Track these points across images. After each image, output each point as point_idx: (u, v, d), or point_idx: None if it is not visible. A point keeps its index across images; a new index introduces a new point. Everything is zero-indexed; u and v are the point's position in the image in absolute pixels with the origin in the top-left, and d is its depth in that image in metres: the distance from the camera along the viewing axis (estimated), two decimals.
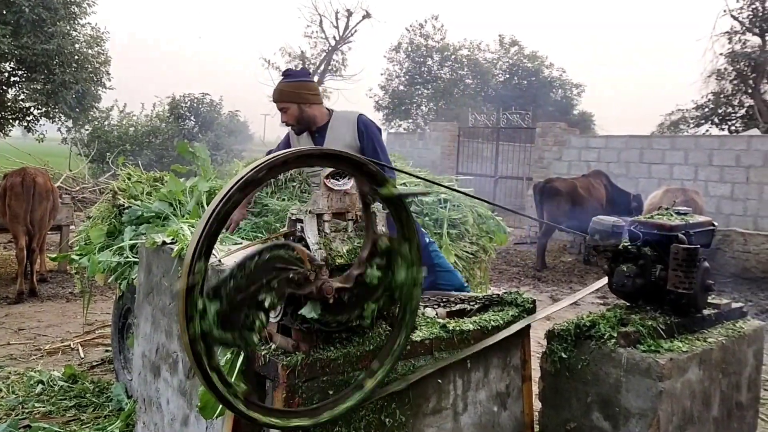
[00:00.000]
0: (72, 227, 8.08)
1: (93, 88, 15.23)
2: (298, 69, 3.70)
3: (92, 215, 4.03)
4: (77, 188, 12.70)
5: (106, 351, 4.79)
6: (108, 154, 14.80)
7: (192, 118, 17.91)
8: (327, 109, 3.54)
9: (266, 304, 1.70)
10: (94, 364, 4.58)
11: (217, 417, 2.17)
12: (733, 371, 2.80)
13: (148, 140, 15.95)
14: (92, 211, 4.11)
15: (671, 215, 2.84)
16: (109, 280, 3.61)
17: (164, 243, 2.78)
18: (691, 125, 20.61)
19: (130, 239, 3.42)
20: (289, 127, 3.56)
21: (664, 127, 22.18)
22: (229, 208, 1.58)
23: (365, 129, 3.44)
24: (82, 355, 4.77)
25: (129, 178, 4.05)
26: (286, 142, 3.69)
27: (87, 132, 16.37)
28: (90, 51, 14.86)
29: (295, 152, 1.70)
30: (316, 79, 26.53)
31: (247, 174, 1.60)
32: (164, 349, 2.78)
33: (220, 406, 2.08)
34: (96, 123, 16.27)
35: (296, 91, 3.41)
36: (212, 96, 18.15)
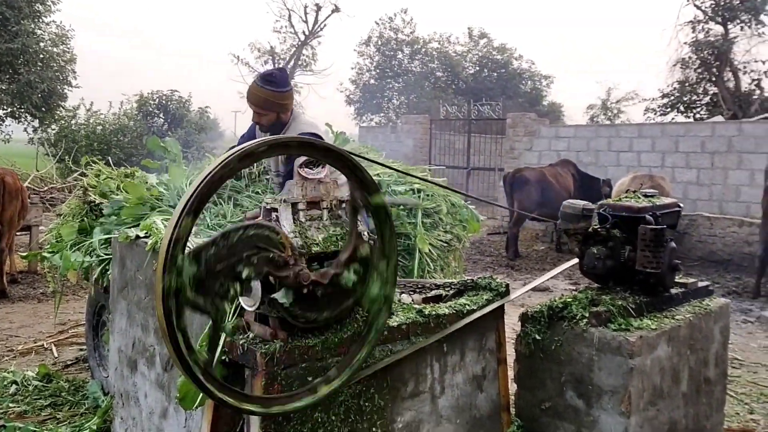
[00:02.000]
0: (41, 228, 7.96)
1: (59, 87, 14.99)
2: (280, 70, 3.62)
3: (63, 213, 3.98)
4: (45, 188, 12.49)
5: (80, 350, 4.75)
6: (76, 153, 14.58)
7: (161, 115, 17.70)
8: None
9: (243, 275, 1.72)
10: (69, 363, 4.54)
11: (196, 407, 2.18)
12: (701, 347, 2.88)
13: (117, 139, 15.71)
14: (62, 208, 4.06)
15: (639, 198, 2.91)
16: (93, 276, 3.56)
17: (138, 237, 2.76)
18: (658, 113, 20.95)
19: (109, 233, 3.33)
20: (258, 126, 3.57)
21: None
22: (225, 174, 1.62)
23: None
24: (56, 355, 4.72)
25: (99, 175, 4.01)
26: (252, 134, 3.69)
27: (54, 132, 16.09)
28: (55, 49, 14.62)
29: (298, 139, 1.81)
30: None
31: (248, 147, 1.65)
32: (141, 343, 2.78)
33: (200, 395, 2.10)
34: (63, 122, 15.98)
35: (279, 102, 3.40)
36: (181, 93, 17.98)
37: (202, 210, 1.61)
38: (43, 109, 14.28)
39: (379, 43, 29.15)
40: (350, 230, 1.96)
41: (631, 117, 30.50)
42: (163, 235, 1.55)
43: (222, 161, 1.62)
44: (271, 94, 3.37)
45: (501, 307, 2.64)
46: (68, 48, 15.49)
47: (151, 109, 17.43)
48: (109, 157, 5.76)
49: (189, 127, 17.41)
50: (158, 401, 2.65)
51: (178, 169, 3.62)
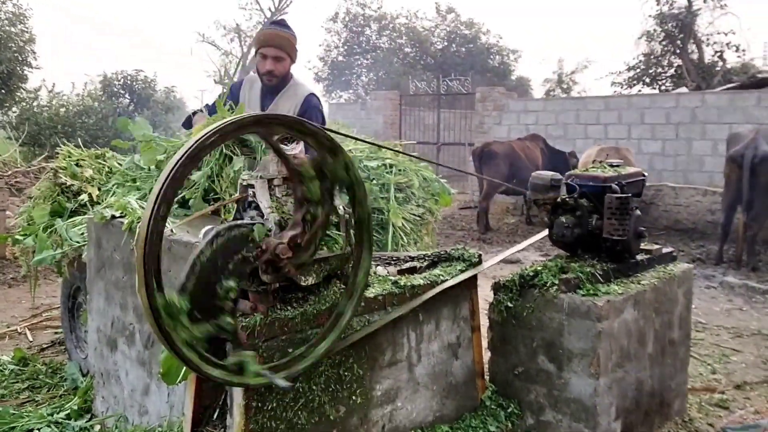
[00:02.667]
0: (8, 213, 7.82)
1: (18, 68, 14.58)
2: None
3: (33, 195, 3.94)
4: (9, 172, 12.22)
5: (56, 333, 4.73)
6: (39, 136, 14.25)
7: (126, 95, 17.36)
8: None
9: (230, 287, 1.78)
10: (45, 346, 4.52)
11: (179, 382, 2.22)
12: (665, 310, 3.01)
13: (81, 120, 15.38)
14: (33, 191, 4.01)
15: (605, 168, 3.00)
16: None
17: (113, 217, 2.77)
18: (624, 86, 21.20)
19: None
20: (267, 78, 3.36)
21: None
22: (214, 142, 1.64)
23: (306, 111, 3.36)
24: (31, 339, 4.69)
25: (69, 157, 3.97)
26: (235, 94, 3.54)
27: (15, 114, 15.69)
28: (13, 29, 14.19)
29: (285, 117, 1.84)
30: (253, 52, 26.03)
31: (223, 125, 1.65)
32: (120, 321, 2.80)
33: (183, 370, 2.14)
34: (24, 104, 15.59)
35: (295, 45, 3.28)
36: (146, 72, 17.63)
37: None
38: (3, 90, 13.89)
39: (347, 19, 28.85)
40: (284, 166, 1.97)
41: (585, 87, 30.90)
42: (143, 214, 1.57)
43: (215, 129, 1.63)
44: (290, 35, 3.28)
45: (474, 277, 2.71)
46: (27, 28, 15.05)
47: (115, 90, 17.08)
48: (76, 139, 5.68)
49: (155, 108, 17.13)
50: (140, 378, 2.68)
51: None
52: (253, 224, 1.89)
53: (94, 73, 16.92)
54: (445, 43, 28.93)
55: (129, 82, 17.23)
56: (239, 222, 1.90)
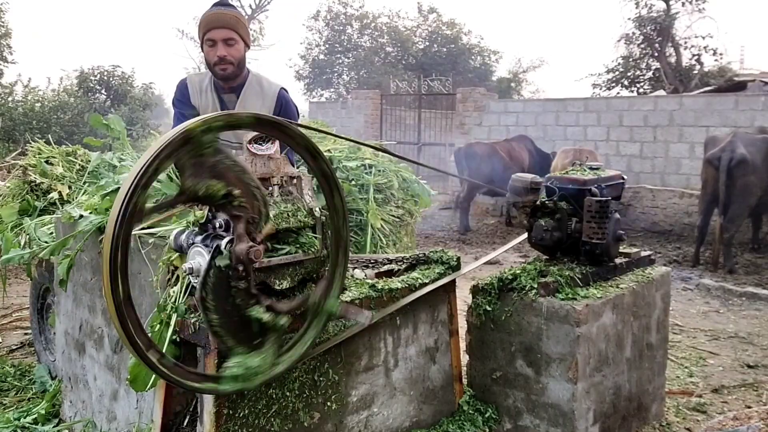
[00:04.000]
0: None
1: None
2: None
3: (2, 193, 3.84)
4: None
5: (25, 334, 4.62)
6: (13, 131, 13.99)
7: (103, 91, 17.10)
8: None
9: (248, 304, 1.78)
10: (14, 347, 4.41)
11: (148, 389, 2.15)
12: (644, 314, 2.99)
13: (56, 116, 15.12)
14: (1, 188, 3.91)
15: (584, 170, 2.98)
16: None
17: (81, 217, 2.69)
18: (603, 88, 21.36)
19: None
20: (220, 68, 2.92)
21: None
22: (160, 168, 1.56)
23: (283, 108, 3.07)
24: (0, 339, 4.58)
25: (39, 154, 3.87)
26: (186, 98, 3.08)
27: None
28: None
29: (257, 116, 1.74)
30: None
31: (198, 122, 1.58)
32: (88, 325, 2.72)
33: (152, 377, 2.07)
34: None
35: (244, 24, 2.89)
36: (124, 68, 17.39)
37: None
38: None
39: (328, 17, 28.74)
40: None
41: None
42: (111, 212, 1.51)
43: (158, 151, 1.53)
44: (239, 14, 2.91)
45: (453, 281, 2.68)
46: (3, 22, 14.78)
47: (92, 85, 16.82)
48: (49, 136, 5.55)
49: (133, 104, 16.88)
50: (108, 383, 2.60)
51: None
52: (214, 252, 1.80)
53: (71, 68, 16.58)
54: (427, 43, 28.95)
55: (106, 77, 16.97)
56: (205, 263, 1.80)
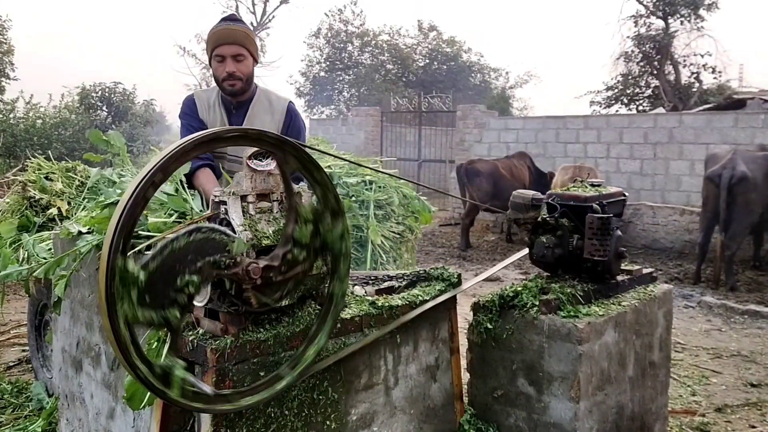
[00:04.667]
0: None
1: None
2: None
3: (1, 209, 3.82)
4: None
5: (23, 351, 4.58)
6: (15, 148, 14.02)
7: (104, 108, 17.15)
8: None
9: (192, 281, 1.67)
10: (11, 364, 4.38)
11: (144, 407, 2.12)
12: (646, 332, 2.97)
13: (58, 132, 15.16)
14: (0, 204, 3.90)
15: (586, 187, 2.96)
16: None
17: (80, 233, 2.67)
18: (603, 106, 21.45)
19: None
20: (228, 83, 2.93)
21: None
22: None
23: (292, 121, 3.08)
24: None
25: (39, 170, 3.86)
26: (194, 112, 3.09)
27: None
28: None
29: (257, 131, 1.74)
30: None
31: (204, 135, 1.60)
32: (85, 342, 2.69)
33: (148, 394, 2.05)
34: (0, 116, 15.36)
35: (253, 39, 2.89)
36: (125, 85, 17.45)
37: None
38: None
39: (329, 35, 28.97)
40: (286, 199, 1.90)
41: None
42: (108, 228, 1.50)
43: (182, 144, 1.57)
44: (242, 26, 2.89)
45: (453, 297, 2.65)
46: (5, 39, 14.88)
47: (93, 102, 16.88)
48: (50, 152, 5.55)
49: (134, 121, 16.93)
50: (105, 401, 2.57)
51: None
52: (235, 238, 1.83)
53: (73, 84, 16.64)
54: (427, 61, 29.15)
55: (107, 94, 17.04)
56: (223, 228, 1.82)
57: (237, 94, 2.99)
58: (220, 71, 2.91)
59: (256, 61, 2.98)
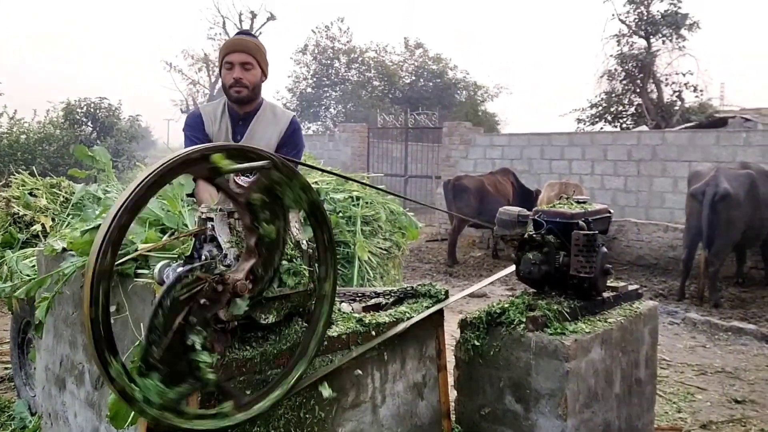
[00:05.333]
0: None
1: None
2: None
3: None
4: None
5: (5, 368, 4.51)
6: None
7: (89, 123, 17.07)
8: None
9: (197, 343, 1.69)
10: None
11: (128, 426, 2.09)
12: (632, 349, 2.98)
13: (41, 148, 15.07)
14: None
15: (571, 204, 2.98)
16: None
17: (64, 250, 2.64)
18: (587, 123, 21.66)
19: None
20: (234, 90, 3.00)
21: None
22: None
23: (294, 134, 3.17)
24: None
25: (23, 185, 3.83)
26: (199, 125, 3.13)
27: None
28: None
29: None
30: (221, 82, 25.97)
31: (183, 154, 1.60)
32: (69, 360, 2.65)
33: (132, 413, 2.02)
34: None
35: (263, 53, 2.98)
36: (110, 100, 17.40)
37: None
38: None
39: (316, 51, 29.11)
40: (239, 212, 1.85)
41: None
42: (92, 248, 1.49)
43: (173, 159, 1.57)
44: (253, 39, 3.03)
45: (441, 314, 2.65)
46: None
47: (78, 117, 16.79)
48: (34, 167, 5.51)
49: (119, 136, 16.87)
50: (89, 420, 2.53)
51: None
52: (202, 265, 1.80)
53: (57, 100, 16.57)
54: (413, 78, 29.33)
55: (92, 110, 16.97)
56: (190, 266, 1.79)
57: (242, 102, 3.05)
58: (228, 78, 3.00)
59: (265, 74, 3.07)
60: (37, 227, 3.45)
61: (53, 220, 3.50)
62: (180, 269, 1.81)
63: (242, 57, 2.96)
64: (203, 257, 1.86)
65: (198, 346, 1.69)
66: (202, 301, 1.72)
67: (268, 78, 3.14)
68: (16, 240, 3.49)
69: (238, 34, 3.10)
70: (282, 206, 1.86)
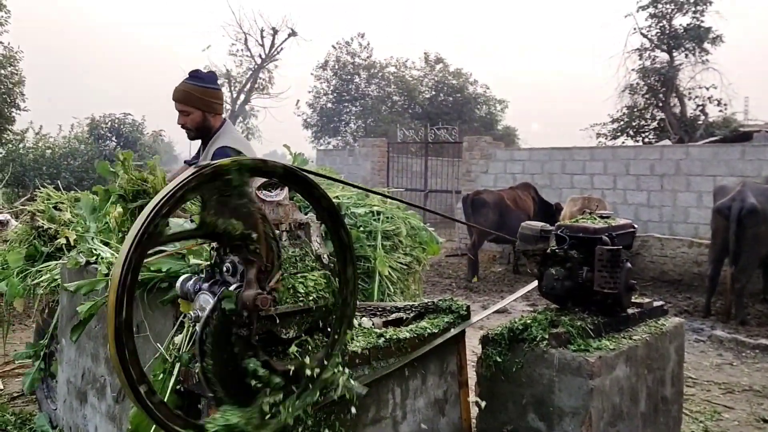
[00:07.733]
0: None
1: (6, 110, 14.57)
2: (207, 72, 3.39)
3: (9, 239, 3.83)
4: None
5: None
6: (24, 177, 14.15)
7: (113, 138, 17.33)
8: (223, 118, 3.43)
9: (246, 354, 1.74)
10: (15, 395, 4.33)
11: None
12: (658, 367, 2.92)
13: (66, 162, 15.31)
14: (8, 234, 3.90)
15: (595, 219, 2.95)
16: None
17: (88, 263, 2.67)
18: (608, 137, 21.49)
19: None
20: (185, 132, 3.40)
21: None
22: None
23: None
24: (2, 387, 4.51)
25: (48, 199, 3.88)
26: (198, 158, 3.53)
27: (0, 155, 15.61)
28: (2, 71, 14.22)
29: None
30: (242, 98, 26.24)
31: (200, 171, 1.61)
32: (90, 373, 2.67)
33: (153, 427, 2.02)
34: (10, 146, 15.53)
35: (204, 98, 3.24)
36: (134, 116, 17.66)
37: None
38: None
39: (336, 67, 29.28)
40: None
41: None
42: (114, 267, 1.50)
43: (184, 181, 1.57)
44: (193, 87, 3.23)
45: (462, 330, 2.62)
46: (17, 70, 15.10)
47: (102, 132, 17.06)
48: (59, 181, 5.58)
49: (142, 151, 17.11)
50: None
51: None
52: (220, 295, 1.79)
53: (82, 115, 16.89)
54: (433, 92, 29.36)
55: (116, 125, 17.23)
56: (210, 305, 1.78)
57: (195, 139, 3.41)
58: (179, 121, 3.34)
59: (206, 111, 3.28)
60: (61, 241, 3.49)
61: (77, 233, 3.53)
62: (205, 287, 1.82)
63: (178, 106, 3.26)
64: (225, 270, 1.84)
65: (260, 372, 1.74)
66: (243, 332, 1.76)
67: (218, 110, 3.35)
68: (40, 253, 3.53)
69: (187, 77, 3.27)
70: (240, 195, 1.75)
